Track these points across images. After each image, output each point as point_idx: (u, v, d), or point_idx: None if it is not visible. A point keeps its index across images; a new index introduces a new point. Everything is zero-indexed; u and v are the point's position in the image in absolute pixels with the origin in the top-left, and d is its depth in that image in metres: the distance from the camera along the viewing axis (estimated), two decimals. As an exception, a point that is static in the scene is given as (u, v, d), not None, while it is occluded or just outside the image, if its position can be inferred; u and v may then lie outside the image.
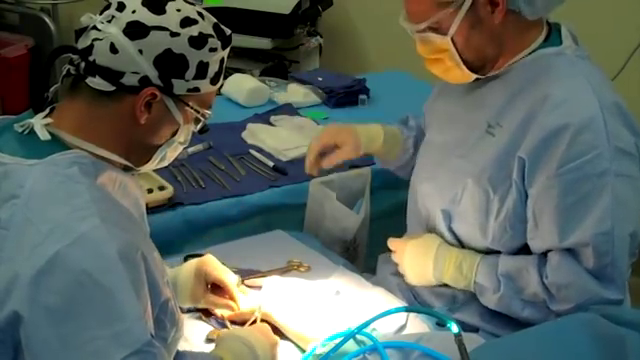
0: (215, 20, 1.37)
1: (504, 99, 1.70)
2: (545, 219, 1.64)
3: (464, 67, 1.69)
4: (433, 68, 1.75)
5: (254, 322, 1.66)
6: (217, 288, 1.71)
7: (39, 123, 1.31)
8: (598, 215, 1.60)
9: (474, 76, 1.72)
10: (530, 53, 1.70)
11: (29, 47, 4.22)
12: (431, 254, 1.78)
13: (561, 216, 1.62)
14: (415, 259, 1.81)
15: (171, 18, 1.31)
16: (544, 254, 1.69)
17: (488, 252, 1.75)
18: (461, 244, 1.79)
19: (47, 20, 4.18)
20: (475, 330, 1.76)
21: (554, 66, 1.68)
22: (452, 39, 1.65)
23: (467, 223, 1.74)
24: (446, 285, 1.80)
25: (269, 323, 1.66)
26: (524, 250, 1.72)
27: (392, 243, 1.89)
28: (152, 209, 2.03)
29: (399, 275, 1.90)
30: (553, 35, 1.73)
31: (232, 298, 1.70)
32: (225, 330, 1.65)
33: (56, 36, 4.15)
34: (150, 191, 2.10)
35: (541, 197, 1.63)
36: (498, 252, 1.74)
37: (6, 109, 4.06)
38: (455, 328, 1.41)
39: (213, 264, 1.71)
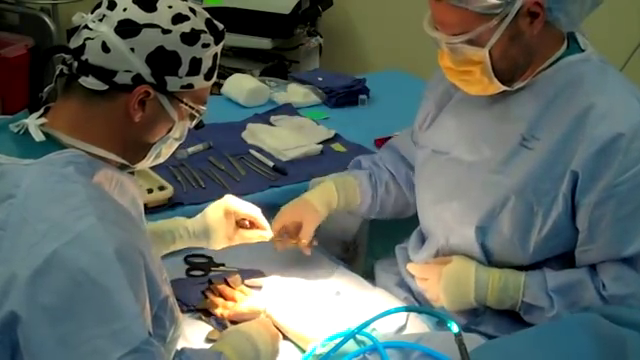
0: (208, 15, 1.36)
1: (536, 111, 1.65)
2: (603, 230, 1.61)
3: (495, 79, 1.63)
4: (455, 78, 1.69)
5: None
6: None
7: (33, 123, 1.31)
8: None
9: (502, 88, 1.66)
10: (555, 61, 1.66)
11: (29, 47, 4.21)
12: (471, 278, 1.71)
13: (620, 226, 1.60)
14: (454, 285, 1.73)
15: (162, 15, 1.30)
16: (593, 266, 1.66)
17: (518, 267, 1.70)
18: (489, 259, 1.73)
19: (47, 20, 4.17)
20: None
21: (586, 74, 1.64)
22: (489, 51, 1.59)
23: (504, 237, 1.69)
24: None
25: (268, 323, 1.66)
26: (558, 261, 1.69)
27: (420, 270, 1.82)
28: (152, 209, 2.03)
29: (404, 287, 1.87)
30: (571, 41, 1.68)
31: (262, 227, 1.82)
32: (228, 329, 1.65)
33: (56, 36, 4.15)
34: (150, 191, 2.09)
35: (598, 209, 1.59)
36: (527, 267, 1.70)
37: (6, 109, 4.05)
38: (455, 328, 1.41)
39: (237, 203, 1.80)
